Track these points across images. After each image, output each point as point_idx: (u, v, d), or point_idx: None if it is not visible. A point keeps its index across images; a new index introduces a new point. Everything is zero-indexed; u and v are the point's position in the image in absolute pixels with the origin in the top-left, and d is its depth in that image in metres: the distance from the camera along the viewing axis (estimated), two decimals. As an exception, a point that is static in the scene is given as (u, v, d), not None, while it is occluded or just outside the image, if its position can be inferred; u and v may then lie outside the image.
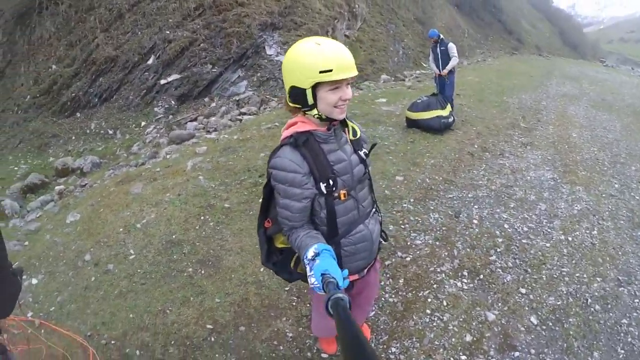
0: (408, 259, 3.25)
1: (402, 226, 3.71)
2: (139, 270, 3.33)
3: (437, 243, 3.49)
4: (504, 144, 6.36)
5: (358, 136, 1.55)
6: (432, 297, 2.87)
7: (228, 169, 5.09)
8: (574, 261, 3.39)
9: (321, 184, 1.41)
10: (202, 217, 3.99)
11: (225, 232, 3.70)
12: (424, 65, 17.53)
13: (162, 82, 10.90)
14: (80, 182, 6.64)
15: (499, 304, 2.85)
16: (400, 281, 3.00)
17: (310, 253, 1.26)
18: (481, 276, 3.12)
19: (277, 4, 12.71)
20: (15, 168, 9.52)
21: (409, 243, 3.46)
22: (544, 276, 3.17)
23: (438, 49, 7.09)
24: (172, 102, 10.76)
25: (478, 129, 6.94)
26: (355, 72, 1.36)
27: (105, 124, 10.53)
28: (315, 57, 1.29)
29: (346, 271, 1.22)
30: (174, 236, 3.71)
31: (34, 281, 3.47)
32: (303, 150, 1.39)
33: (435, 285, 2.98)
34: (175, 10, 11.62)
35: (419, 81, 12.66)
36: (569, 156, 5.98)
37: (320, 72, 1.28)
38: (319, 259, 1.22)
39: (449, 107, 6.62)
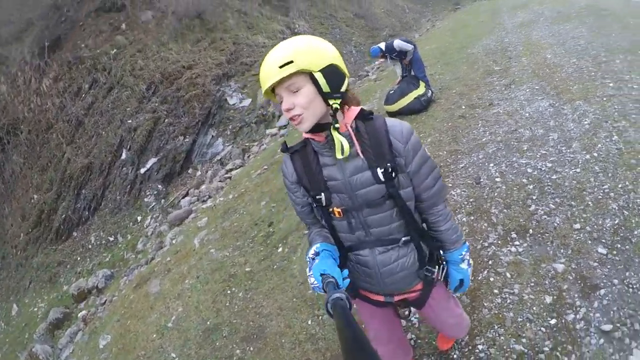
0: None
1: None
2: (187, 372, 3.09)
3: (472, 218, 3.22)
4: (489, 93, 6.15)
5: (344, 155, 1.18)
6: (492, 275, 2.62)
7: (235, 232, 4.88)
8: (609, 174, 3.16)
9: (312, 195, 1.29)
10: (228, 292, 3.75)
11: (257, 298, 3.45)
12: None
13: (142, 170, 10.79)
14: (99, 302, 6.41)
15: (562, 250, 2.61)
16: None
17: (311, 252, 1.24)
18: (530, 231, 2.87)
19: (222, 53, 12.81)
20: (35, 309, 9.30)
21: (443, 230, 3.19)
22: (589, 202, 2.94)
23: (389, 59, 6.42)
24: (159, 186, 10.62)
25: (458, 90, 6.75)
26: (271, 81, 1.11)
27: (103, 233, 10.35)
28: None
29: (346, 271, 1.18)
30: (208, 322, 3.47)
31: None
32: (296, 158, 1.30)
33: (490, 262, 2.72)
34: (129, 97, 11.65)
35: (382, 70, 12.55)
36: (554, 78, 5.77)
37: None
38: (318, 258, 1.19)
39: (422, 83, 6.42)
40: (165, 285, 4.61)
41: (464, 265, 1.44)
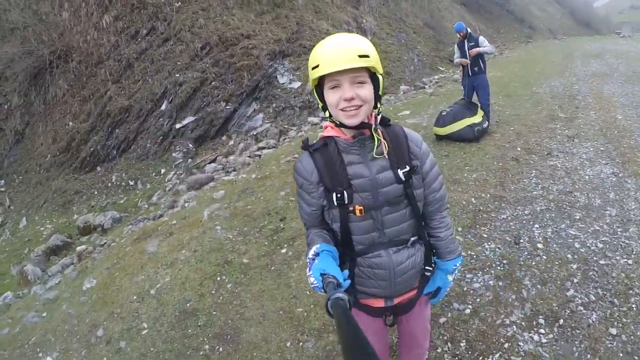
0: (467, 311, 2.61)
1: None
2: (151, 349, 2.94)
3: (500, 284, 2.83)
4: (549, 140, 5.66)
5: (384, 153, 1.28)
6: (505, 361, 2.25)
7: (246, 215, 4.67)
8: None
9: (334, 194, 1.27)
10: (218, 278, 3.54)
11: (244, 296, 3.22)
12: (441, 69, 16.95)
13: (178, 126, 10.80)
14: (99, 241, 6.42)
15: (588, 356, 2.22)
16: (462, 344, 2.37)
17: (311, 252, 1.23)
18: (561, 321, 2.47)
19: (284, 30, 12.58)
20: (42, 229, 9.57)
21: (465, 289, 2.81)
22: (634, 305, 2.53)
23: (466, 44, 6.08)
24: (190, 145, 10.61)
25: (516, 129, 6.25)
26: (348, 65, 1.12)
27: (126, 175, 10.48)
28: (312, 54, 1.21)
29: (346, 272, 1.20)
30: (188, 304, 3.28)
31: (49, 360, 3.19)
32: (318, 157, 1.30)
33: (506, 345, 2.34)
34: (182, 52, 11.63)
35: (440, 86, 12.05)
36: (622, 143, 5.27)
37: (312, 68, 1.18)
38: (318, 258, 1.18)
39: (480, 112, 5.94)
40: (162, 248, 4.49)
41: (450, 277, 1.50)
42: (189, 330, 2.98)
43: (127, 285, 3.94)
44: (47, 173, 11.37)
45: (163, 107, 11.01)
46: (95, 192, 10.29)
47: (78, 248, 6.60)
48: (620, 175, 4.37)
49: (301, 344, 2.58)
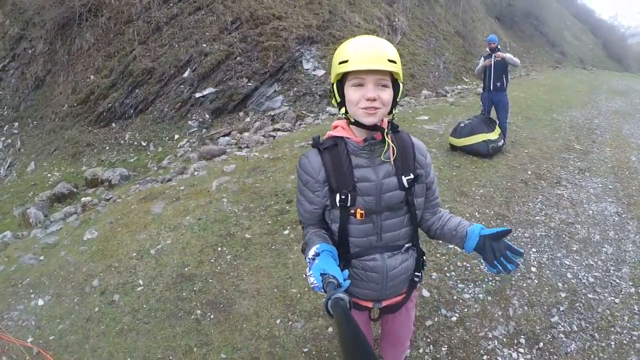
0: (454, 318, 2.70)
1: (447, 274, 3.15)
2: (144, 306, 3.03)
3: (489, 298, 2.90)
4: (560, 169, 5.67)
5: (392, 159, 1.31)
6: (481, 372, 2.34)
7: (254, 192, 4.75)
8: None
9: (337, 195, 1.28)
10: (219, 249, 3.63)
11: (242, 269, 3.31)
12: (465, 80, 16.82)
13: (197, 95, 10.88)
14: (105, 196, 6.52)
15: None
16: (443, 349, 2.45)
17: (311, 252, 1.22)
18: (541, 344, 2.55)
19: (315, 17, 12.53)
20: (49, 175, 9.71)
21: (455, 297, 2.90)
22: (612, 343, 2.60)
23: (493, 58, 6.09)
24: (207, 115, 10.70)
25: (530, 152, 6.26)
26: (378, 66, 1.16)
27: (139, 135, 10.60)
28: (340, 49, 1.23)
29: (346, 272, 1.18)
30: (186, 269, 3.37)
31: (40, 302, 3.30)
32: (326, 156, 1.30)
33: (485, 357, 2.42)
34: (212, 23, 11.65)
35: (462, 97, 11.99)
36: (631, 184, 5.28)
37: (339, 62, 1.20)
38: (318, 258, 1.18)
39: (497, 129, 5.97)
40: (167, 211, 4.57)
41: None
42: (184, 294, 3.07)
43: (128, 241, 4.02)
44: (62, 122, 11.51)
45: (186, 74, 11.08)
46: (107, 147, 10.44)
47: (83, 199, 6.68)
48: (623, 215, 4.39)
49: (291, 323, 2.67)
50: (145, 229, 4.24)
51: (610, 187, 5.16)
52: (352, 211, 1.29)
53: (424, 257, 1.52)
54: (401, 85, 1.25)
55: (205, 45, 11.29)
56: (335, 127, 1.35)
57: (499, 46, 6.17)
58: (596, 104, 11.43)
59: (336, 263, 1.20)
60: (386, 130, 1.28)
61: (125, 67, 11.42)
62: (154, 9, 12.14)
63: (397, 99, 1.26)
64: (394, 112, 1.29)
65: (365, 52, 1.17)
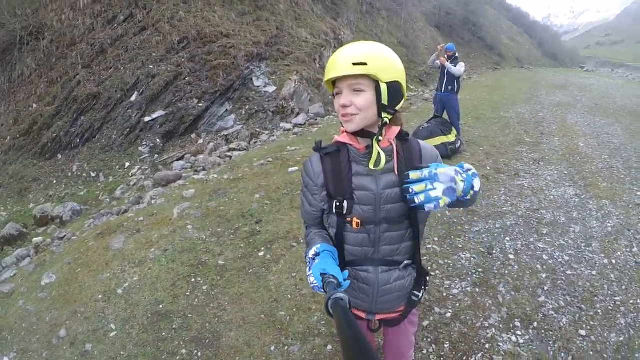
0: (448, 315, 2.72)
1: (433, 272, 3.19)
2: (122, 353, 2.75)
3: (477, 290, 2.97)
4: (516, 162, 5.98)
5: (379, 167, 1.20)
6: (487, 360, 2.38)
7: (220, 216, 4.55)
8: (623, 287, 3.06)
9: (334, 201, 1.26)
10: (192, 280, 3.40)
11: (222, 299, 3.11)
12: (411, 87, 17.49)
13: (147, 119, 10.41)
14: (58, 234, 6.01)
15: (562, 354, 2.43)
16: (446, 345, 2.47)
17: (311, 252, 1.21)
18: (535, 324, 2.67)
19: (263, 33, 12.53)
20: (-5, 216, 8.82)
21: (445, 294, 2.93)
22: (599, 310, 2.80)
23: (448, 60, 6.31)
24: (157, 140, 10.25)
25: (485, 149, 6.56)
26: (341, 72, 1.13)
27: (88, 166, 9.93)
28: None
29: (346, 272, 1.16)
30: (161, 306, 3.12)
31: (5, 360, 2.93)
32: (327, 161, 1.28)
33: (487, 345, 2.48)
34: (158, 43, 11.29)
35: (411, 104, 12.42)
36: (584, 168, 5.70)
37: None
38: (318, 258, 1.17)
39: (454, 132, 6.21)
40: (129, 245, 4.26)
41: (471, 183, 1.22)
42: (163, 334, 2.83)
43: (91, 282, 3.69)
44: (5, 156, 10.54)
45: (133, 98, 10.59)
46: (54, 181, 9.67)
47: (35, 239, 6.12)
48: (582, 196, 4.70)
49: (286, 347, 2.54)
50: (108, 266, 3.91)
51: (565, 172, 5.51)
52: (349, 219, 1.27)
53: (427, 277, 1.44)
54: (383, 86, 1.13)
55: (152, 66, 10.90)
56: (343, 131, 1.31)
57: (456, 54, 6.43)
58: (539, 99, 12.22)
59: (336, 263, 1.19)
60: (376, 137, 1.19)
61: (69, 93, 10.71)
62: (97, 30, 11.60)
63: (387, 102, 1.15)
64: (383, 116, 1.17)
65: (333, 60, 1.17)
